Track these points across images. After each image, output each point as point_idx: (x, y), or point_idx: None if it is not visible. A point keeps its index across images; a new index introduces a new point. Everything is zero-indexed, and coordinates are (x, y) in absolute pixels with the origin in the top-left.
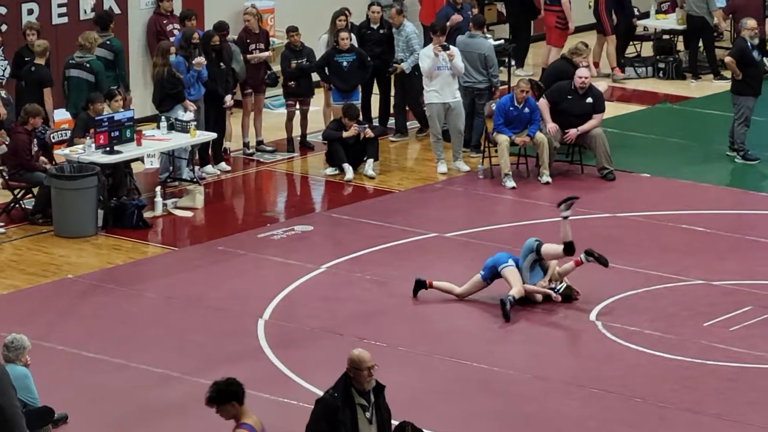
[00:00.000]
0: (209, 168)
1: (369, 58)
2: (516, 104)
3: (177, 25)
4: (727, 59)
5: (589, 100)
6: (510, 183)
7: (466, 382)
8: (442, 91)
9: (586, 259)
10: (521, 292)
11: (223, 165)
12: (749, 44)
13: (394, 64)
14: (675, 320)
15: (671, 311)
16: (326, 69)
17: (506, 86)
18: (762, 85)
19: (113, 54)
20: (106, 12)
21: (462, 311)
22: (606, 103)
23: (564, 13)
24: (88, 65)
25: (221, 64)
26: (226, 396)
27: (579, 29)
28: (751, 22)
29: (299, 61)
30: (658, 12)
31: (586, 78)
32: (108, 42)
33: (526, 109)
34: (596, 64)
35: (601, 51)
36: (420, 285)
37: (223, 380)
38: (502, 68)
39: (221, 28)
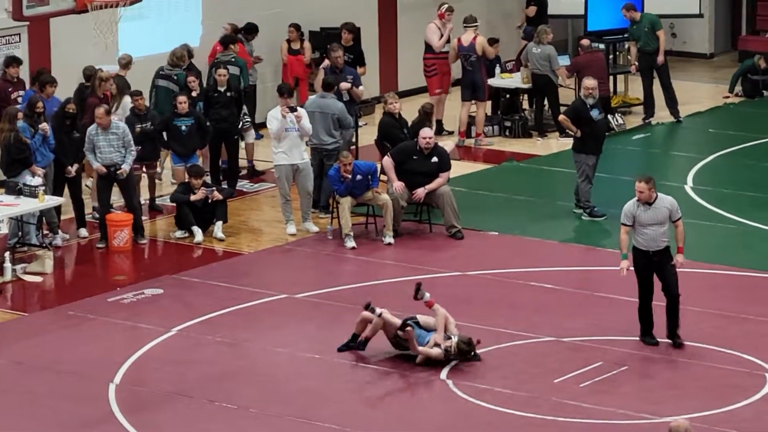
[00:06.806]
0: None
1: (208, 123)
2: (345, 176)
3: (22, 92)
4: (561, 117)
5: (435, 159)
6: (350, 243)
7: None
8: (290, 153)
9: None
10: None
11: (82, 231)
12: (586, 103)
13: (119, 171)
14: (525, 377)
15: (521, 368)
16: (165, 133)
17: (354, 146)
18: (602, 143)
19: (238, 69)
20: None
21: (312, 372)
22: (453, 162)
23: (430, 60)
24: (175, 77)
25: (75, 132)
26: None
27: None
28: (588, 82)
29: (143, 125)
30: (503, 71)
31: (430, 138)
32: (233, 59)
33: (359, 176)
34: (462, 134)
35: (467, 117)
36: None
37: None
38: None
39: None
